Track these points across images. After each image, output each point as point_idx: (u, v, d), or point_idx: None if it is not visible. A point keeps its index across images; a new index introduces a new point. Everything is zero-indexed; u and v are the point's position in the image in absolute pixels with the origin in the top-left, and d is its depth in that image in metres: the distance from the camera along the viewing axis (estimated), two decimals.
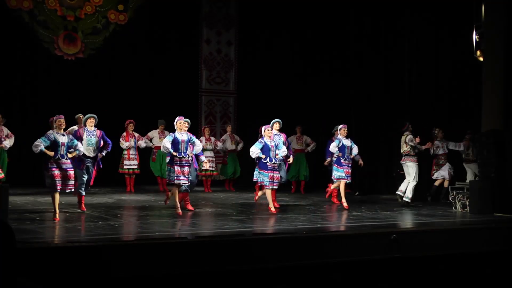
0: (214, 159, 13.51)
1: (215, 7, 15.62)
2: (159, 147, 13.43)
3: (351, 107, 14.36)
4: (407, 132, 11.11)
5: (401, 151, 11.13)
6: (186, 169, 9.11)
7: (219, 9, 15.67)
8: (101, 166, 9.72)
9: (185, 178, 9.12)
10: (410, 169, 10.98)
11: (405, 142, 11.02)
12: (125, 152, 12.91)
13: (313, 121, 14.38)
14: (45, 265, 5.99)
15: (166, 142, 9.02)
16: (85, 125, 9.65)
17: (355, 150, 10.68)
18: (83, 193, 9.43)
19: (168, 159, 9.43)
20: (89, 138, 9.41)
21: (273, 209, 9.73)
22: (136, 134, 13.12)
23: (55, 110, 12.85)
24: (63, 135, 8.63)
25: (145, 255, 6.50)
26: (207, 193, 12.92)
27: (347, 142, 10.59)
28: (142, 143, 13.13)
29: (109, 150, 9.76)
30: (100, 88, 14.19)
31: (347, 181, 10.63)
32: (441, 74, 12.50)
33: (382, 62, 13.74)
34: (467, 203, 10.27)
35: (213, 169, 13.49)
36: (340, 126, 10.82)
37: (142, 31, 14.65)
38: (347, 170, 10.55)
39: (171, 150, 9.00)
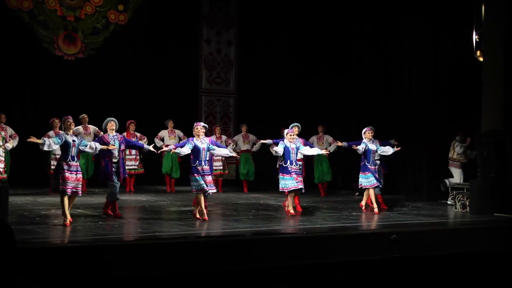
0: (223, 158, 13.43)
1: (215, 7, 15.62)
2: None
3: (351, 107, 14.36)
4: (459, 138, 11.59)
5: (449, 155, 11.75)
6: (208, 178, 8.76)
7: (219, 9, 15.67)
8: (125, 175, 9.31)
9: (212, 188, 8.79)
10: (454, 174, 11.58)
11: (453, 149, 11.67)
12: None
13: (313, 121, 14.38)
14: (45, 265, 5.99)
15: (186, 150, 8.66)
16: (105, 131, 9.06)
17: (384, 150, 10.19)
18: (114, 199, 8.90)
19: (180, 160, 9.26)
20: (112, 143, 8.82)
21: (292, 211, 9.40)
22: (138, 134, 13.13)
23: (55, 110, 12.92)
24: (72, 135, 8.32)
25: (145, 255, 6.50)
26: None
27: (373, 146, 10.08)
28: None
29: (143, 148, 9.35)
30: (100, 88, 14.19)
31: (379, 186, 10.15)
32: (441, 74, 12.48)
33: (382, 62, 13.74)
34: (467, 203, 10.27)
35: (222, 168, 13.44)
36: (364, 129, 10.23)
37: (142, 31, 14.65)
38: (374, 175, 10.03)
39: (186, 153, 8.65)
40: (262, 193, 12.98)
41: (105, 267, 6.24)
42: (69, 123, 8.30)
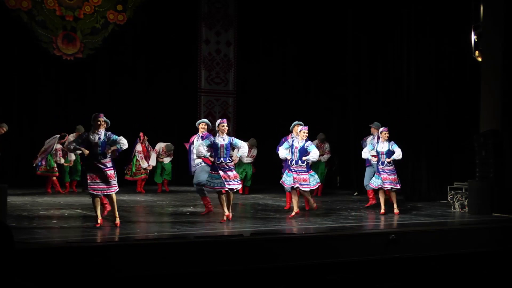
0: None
1: (214, 7, 15.61)
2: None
3: (350, 107, 14.35)
4: None
5: None
6: (230, 173, 8.59)
7: (218, 9, 15.67)
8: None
9: (233, 183, 8.61)
10: None
11: None
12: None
13: (313, 121, 14.38)
14: (44, 266, 5.98)
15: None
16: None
17: (396, 155, 9.66)
18: None
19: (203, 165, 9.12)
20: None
21: (296, 209, 9.26)
22: (150, 148, 13.13)
23: (54, 110, 12.93)
24: (98, 134, 7.91)
25: (145, 255, 6.50)
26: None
27: (383, 147, 9.75)
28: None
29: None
30: (99, 88, 14.18)
31: (392, 188, 9.74)
32: (440, 74, 12.49)
33: (381, 63, 13.73)
34: (466, 203, 10.27)
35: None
36: (381, 129, 9.94)
37: (141, 31, 14.64)
38: (385, 176, 9.64)
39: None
40: (261, 193, 12.97)
41: (105, 267, 6.24)
42: (99, 122, 7.94)
